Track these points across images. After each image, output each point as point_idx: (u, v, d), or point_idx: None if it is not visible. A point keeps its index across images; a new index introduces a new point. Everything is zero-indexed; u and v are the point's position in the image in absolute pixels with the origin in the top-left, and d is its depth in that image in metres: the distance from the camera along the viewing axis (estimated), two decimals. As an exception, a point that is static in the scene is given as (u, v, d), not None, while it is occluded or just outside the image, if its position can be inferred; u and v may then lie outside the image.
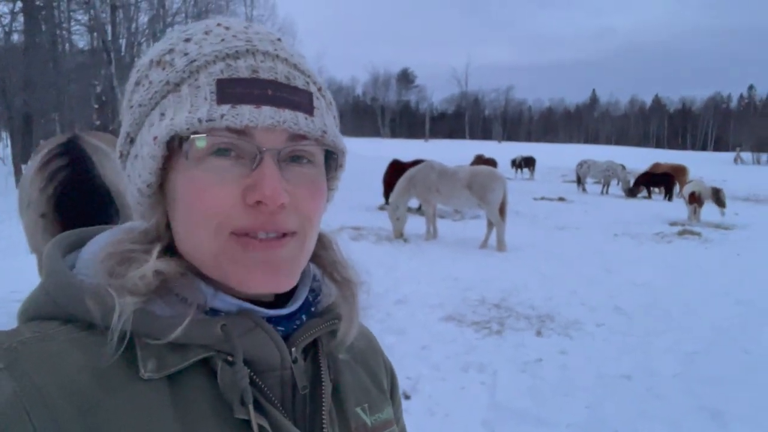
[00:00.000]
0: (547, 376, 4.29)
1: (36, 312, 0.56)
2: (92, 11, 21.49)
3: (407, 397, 3.85)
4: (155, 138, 0.55)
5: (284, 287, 0.59)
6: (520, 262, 8.35)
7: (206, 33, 0.58)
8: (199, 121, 0.53)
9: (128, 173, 0.61)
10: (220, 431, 0.53)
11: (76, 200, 2.97)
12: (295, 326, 0.63)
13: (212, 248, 0.55)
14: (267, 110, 0.54)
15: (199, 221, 0.55)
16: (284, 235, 0.58)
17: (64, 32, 24.45)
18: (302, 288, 0.66)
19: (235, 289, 0.58)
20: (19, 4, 20.63)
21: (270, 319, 0.61)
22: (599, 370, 4.41)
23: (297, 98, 0.56)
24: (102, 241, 0.60)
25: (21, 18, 21.11)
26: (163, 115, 0.56)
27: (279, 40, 0.60)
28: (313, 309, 0.66)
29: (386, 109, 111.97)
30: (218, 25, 0.59)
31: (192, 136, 0.53)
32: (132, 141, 0.60)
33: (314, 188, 0.59)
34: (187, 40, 0.58)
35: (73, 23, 24.62)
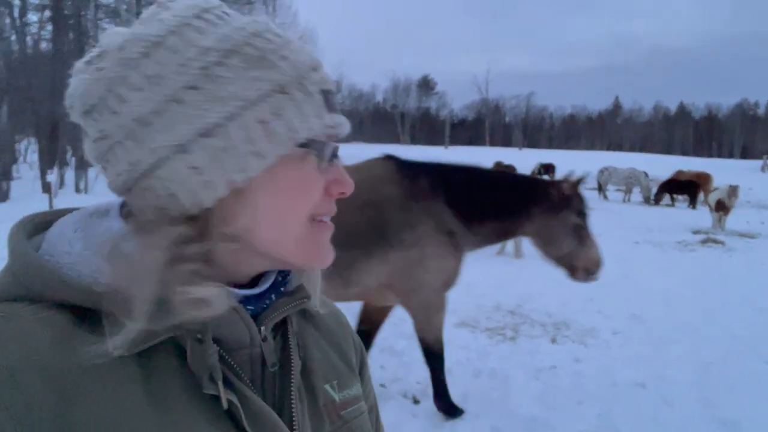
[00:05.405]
0: (559, 383, 4.25)
1: (1, 294, 0.55)
2: (118, 20, 21.96)
3: (416, 402, 3.85)
4: (290, 138, 0.57)
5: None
6: (537, 268, 8.20)
7: (279, 36, 0.59)
8: (327, 127, 0.60)
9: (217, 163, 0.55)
10: (190, 407, 0.54)
11: None
12: (264, 305, 0.65)
13: (301, 233, 0.61)
14: (344, 119, 0.63)
15: (299, 212, 0.61)
16: None
17: (91, 40, 24.98)
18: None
19: (299, 266, 0.65)
20: (48, 13, 21.20)
21: (240, 299, 0.62)
22: (613, 378, 4.36)
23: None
24: (69, 223, 0.60)
25: (49, 26, 21.69)
26: (278, 115, 0.56)
27: None
28: (282, 289, 0.68)
29: (406, 116, 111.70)
30: (278, 35, 0.60)
31: (325, 141, 0.61)
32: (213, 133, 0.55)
33: None
34: (269, 40, 0.58)
35: (100, 32, 25.19)
